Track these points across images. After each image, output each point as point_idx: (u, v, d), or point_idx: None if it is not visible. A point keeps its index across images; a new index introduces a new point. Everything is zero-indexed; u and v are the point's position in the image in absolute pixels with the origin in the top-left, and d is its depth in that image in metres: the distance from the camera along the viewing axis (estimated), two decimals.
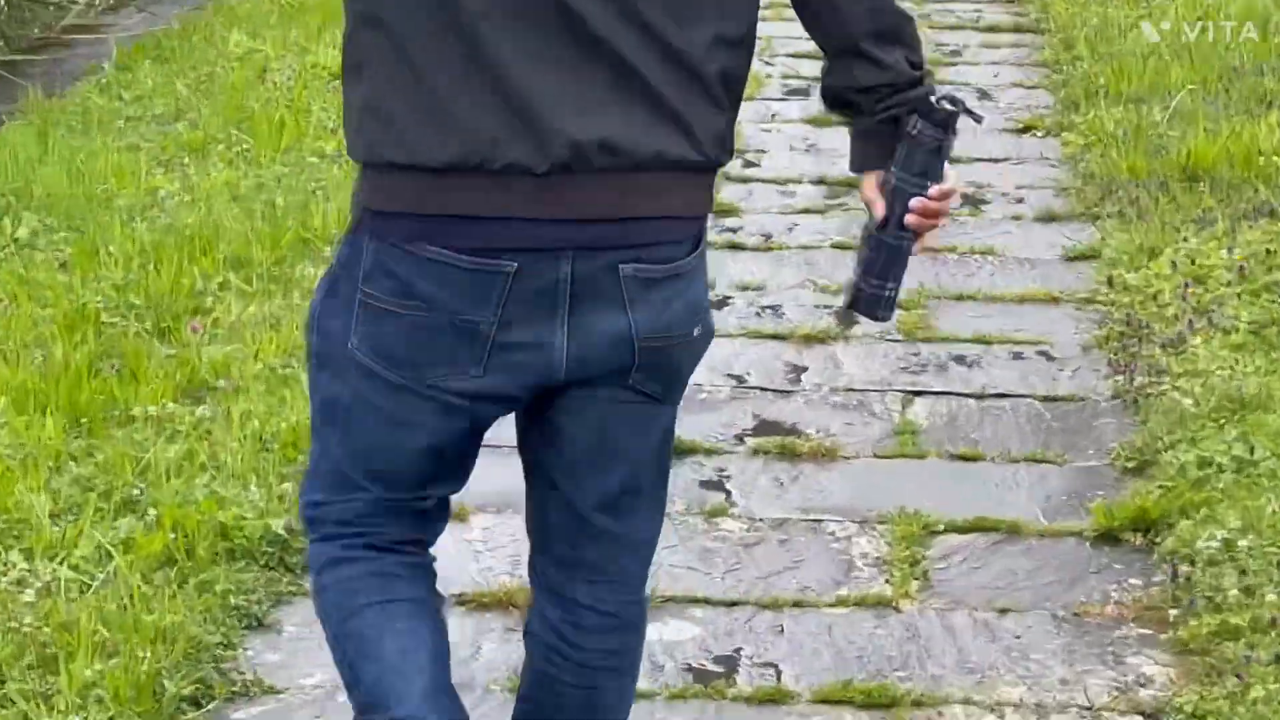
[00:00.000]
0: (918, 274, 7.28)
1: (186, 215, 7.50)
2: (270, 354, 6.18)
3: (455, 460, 3.68)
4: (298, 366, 6.05)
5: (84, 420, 5.71)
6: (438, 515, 3.85)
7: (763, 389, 6.28)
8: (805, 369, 6.51)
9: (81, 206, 7.59)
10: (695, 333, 3.52)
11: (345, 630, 3.83)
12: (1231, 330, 6.43)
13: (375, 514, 3.74)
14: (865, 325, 6.28)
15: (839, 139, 8.48)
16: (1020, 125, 9.42)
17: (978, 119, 3.71)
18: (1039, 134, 9.24)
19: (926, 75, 3.52)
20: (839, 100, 3.56)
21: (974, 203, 8.25)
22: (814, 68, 9.71)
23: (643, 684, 4.04)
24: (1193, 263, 7.08)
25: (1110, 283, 7.13)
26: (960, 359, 6.60)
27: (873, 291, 3.53)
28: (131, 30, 10.84)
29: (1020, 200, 8.28)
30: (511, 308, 3.33)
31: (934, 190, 3.44)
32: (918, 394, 6.31)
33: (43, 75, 9.77)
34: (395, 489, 3.69)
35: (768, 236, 7.77)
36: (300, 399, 5.77)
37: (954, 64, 10.55)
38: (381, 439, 3.61)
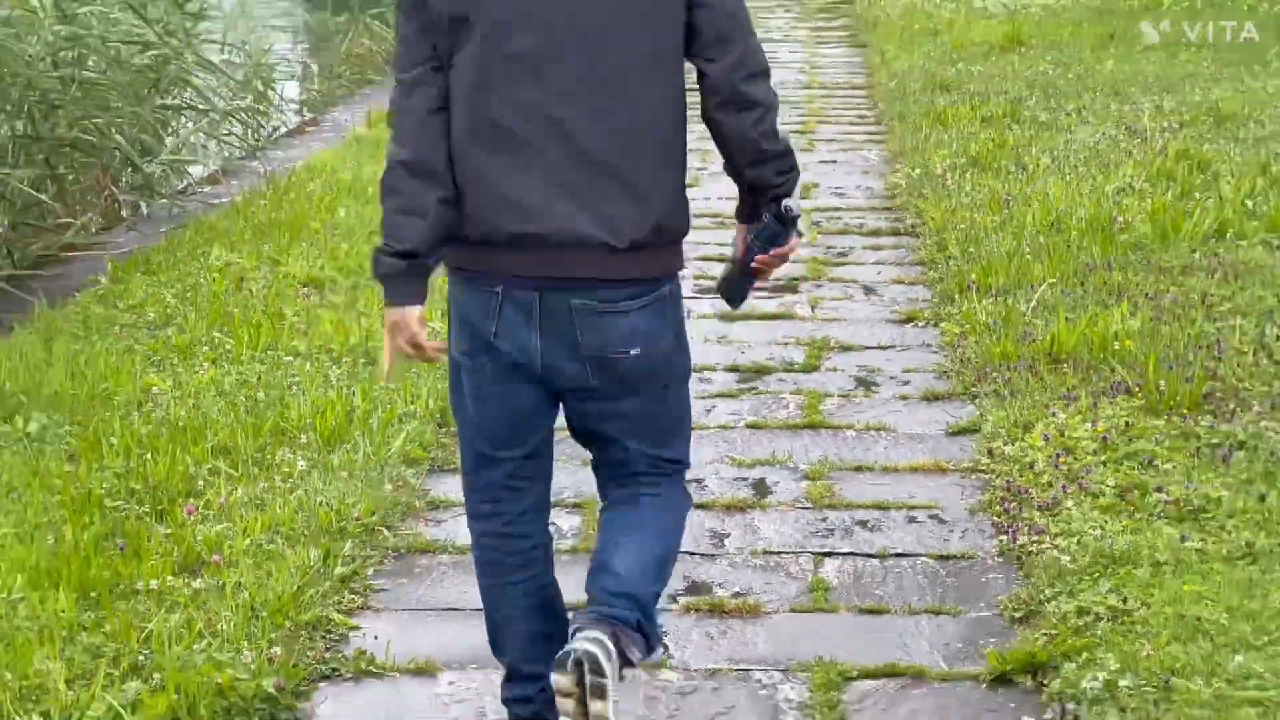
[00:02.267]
0: (823, 449, 7.32)
1: (178, 410, 7.46)
2: (256, 531, 6.12)
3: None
4: (282, 542, 6.03)
5: (93, 594, 5.63)
6: None
7: (691, 553, 6.16)
8: (728, 535, 6.47)
9: (84, 404, 7.55)
10: (632, 352, 4.64)
11: None
12: (1099, 494, 6.44)
13: None
14: (778, 496, 6.45)
15: (747, 332, 8.67)
16: (903, 316, 9.46)
17: (800, 235, 4.90)
18: (920, 324, 9.28)
19: (790, 179, 4.68)
20: (731, 179, 4.87)
21: (866, 385, 8.27)
22: (720, 270, 9.85)
23: None
24: (1062, 435, 7.10)
25: (990, 454, 7.14)
26: (863, 523, 6.56)
27: (727, 296, 5.11)
28: (123, 247, 10.90)
29: (907, 383, 8.29)
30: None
31: (773, 251, 4.70)
32: (828, 555, 6.28)
33: (46, 288, 9.78)
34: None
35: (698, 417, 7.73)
36: (284, 571, 5.75)
37: (842, 264, 10.55)
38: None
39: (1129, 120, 14.76)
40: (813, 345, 8.87)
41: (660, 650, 5.27)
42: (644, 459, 4.92)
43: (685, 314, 7.70)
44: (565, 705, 4.51)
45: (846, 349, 8.82)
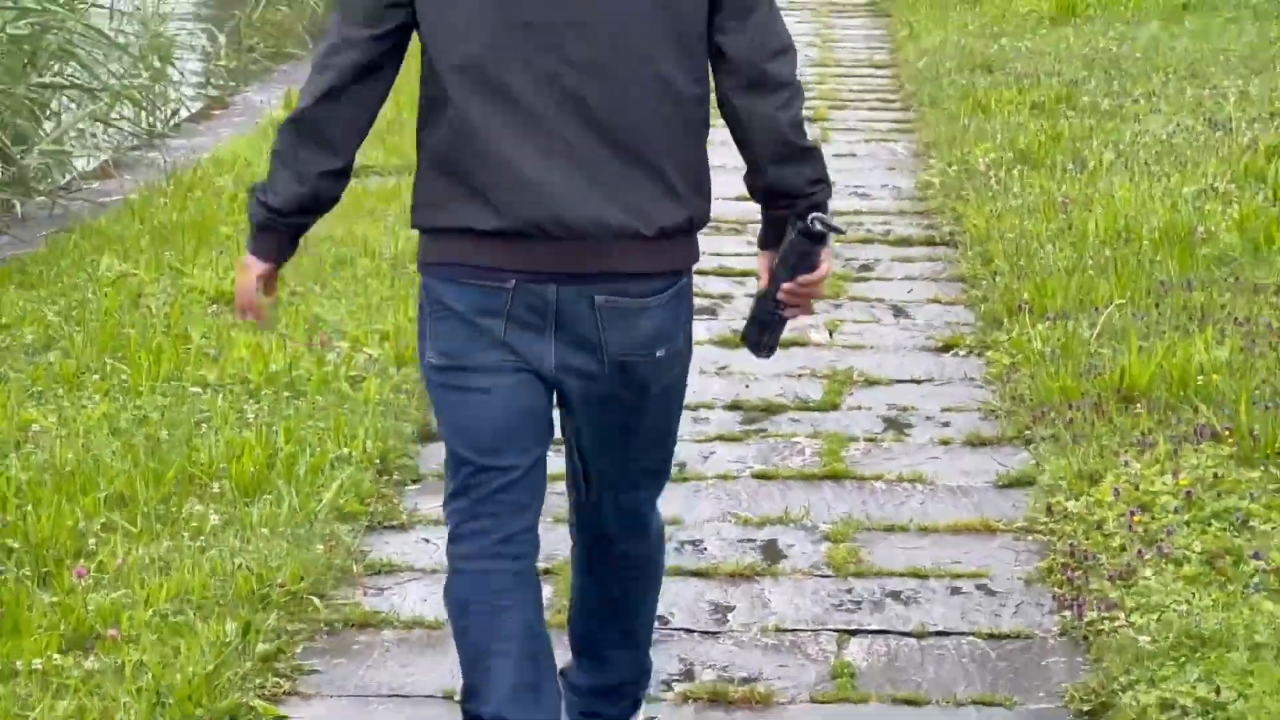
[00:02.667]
0: (846, 504, 7.24)
1: (64, 451, 7.35)
2: (160, 599, 6.02)
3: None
4: (192, 613, 5.96)
5: None
6: None
7: (690, 630, 6.16)
8: (732, 608, 6.36)
9: None
10: (658, 354, 4.77)
11: None
12: (1183, 561, 6.34)
13: None
14: (793, 561, 6.40)
15: (753, 362, 8.53)
16: (940, 343, 9.37)
17: (839, 231, 4.96)
18: (961, 353, 9.19)
19: (821, 190, 4.81)
20: (751, 195, 4.99)
21: (897, 427, 8.18)
22: (720, 284, 9.84)
23: None
24: (1136, 489, 7.01)
25: (1049, 511, 7.06)
26: (895, 594, 6.47)
27: (754, 340, 4.91)
28: None
29: (947, 424, 8.21)
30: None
31: (800, 278, 4.67)
32: (853, 633, 6.16)
33: None
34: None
35: (682, 465, 7.61)
36: (195, 648, 5.69)
37: (866, 279, 10.47)
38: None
39: (1209, 109, 14.73)
40: (832, 378, 8.80)
41: None
42: (636, 490, 5.22)
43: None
44: None
45: (873, 383, 8.76)
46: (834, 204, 11.55)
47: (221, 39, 20.48)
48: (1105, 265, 10.04)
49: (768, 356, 5.09)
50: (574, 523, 5.37)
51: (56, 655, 5.68)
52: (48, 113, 13.45)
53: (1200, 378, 8.10)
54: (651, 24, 4.71)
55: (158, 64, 16.76)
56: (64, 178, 13.16)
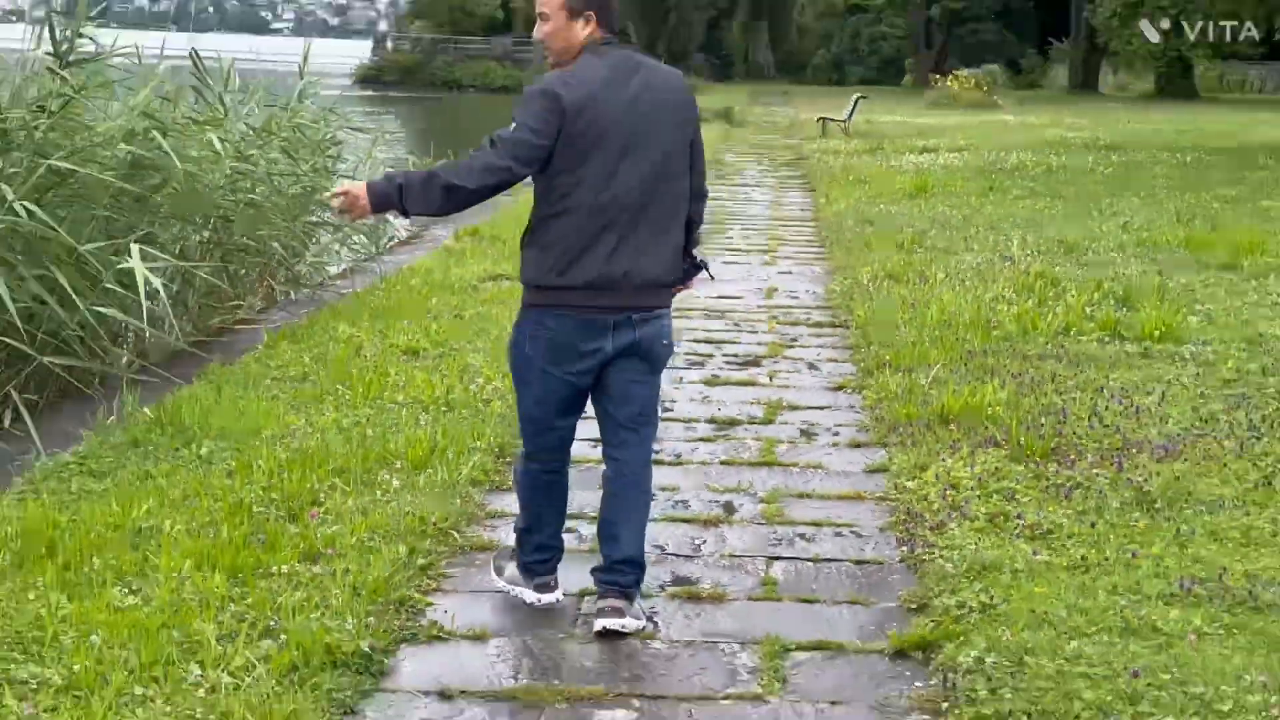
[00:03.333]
0: (775, 481, 7.24)
1: (308, 441, 7.38)
2: (362, 532, 6.01)
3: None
4: (379, 540, 5.95)
5: (239, 575, 5.55)
6: None
7: (676, 554, 6.15)
8: (704, 542, 6.32)
9: (241, 436, 7.49)
10: (665, 342, 5.43)
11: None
12: (974, 519, 6.34)
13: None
14: (741, 515, 6.33)
15: (723, 394, 8.55)
16: (835, 385, 9.36)
17: (710, 276, 5.79)
18: (848, 391, 9.20)
19: (697, 240, 5.61)
20: (685, 238, 5.48)
21: (808, 435, 8.14)
22: (709, 348, 9.77)
23: None
24: (948, 475, 7.01)
25: (896, 488, 7.04)
26: (802, 535, 6.44)
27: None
28: (277, 323, 10.92)
29: (837, 434, 8.16)
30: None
31: (689, 282, 5.62)
32: (776, 559, 6.14)
33: (221, 352, 9.75)
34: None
35: (678, 456, 7.65)
36: (380, 561, 5.68)
37: (793, 347, 10.52)
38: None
39: (1002, 249, 14.75)
40: (770, 405, 8.74)
41: (650, 624, 5.39)
42: (642, 415, 5.48)
43: (678, 378, 7.50)
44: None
45: (794, 408, 8.72)
46: (777, 301, 11.69)
47: None
48: (935, 340, 10.03)
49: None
50: (608, 456, 5.59)
51: (296, 564, 5.65)
52: (313, 240, 13.47)
53: (989, 409, 8.06)
54: (678, 160, 5.29)
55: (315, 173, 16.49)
56: (320, 278, 13.17)
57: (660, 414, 5.85)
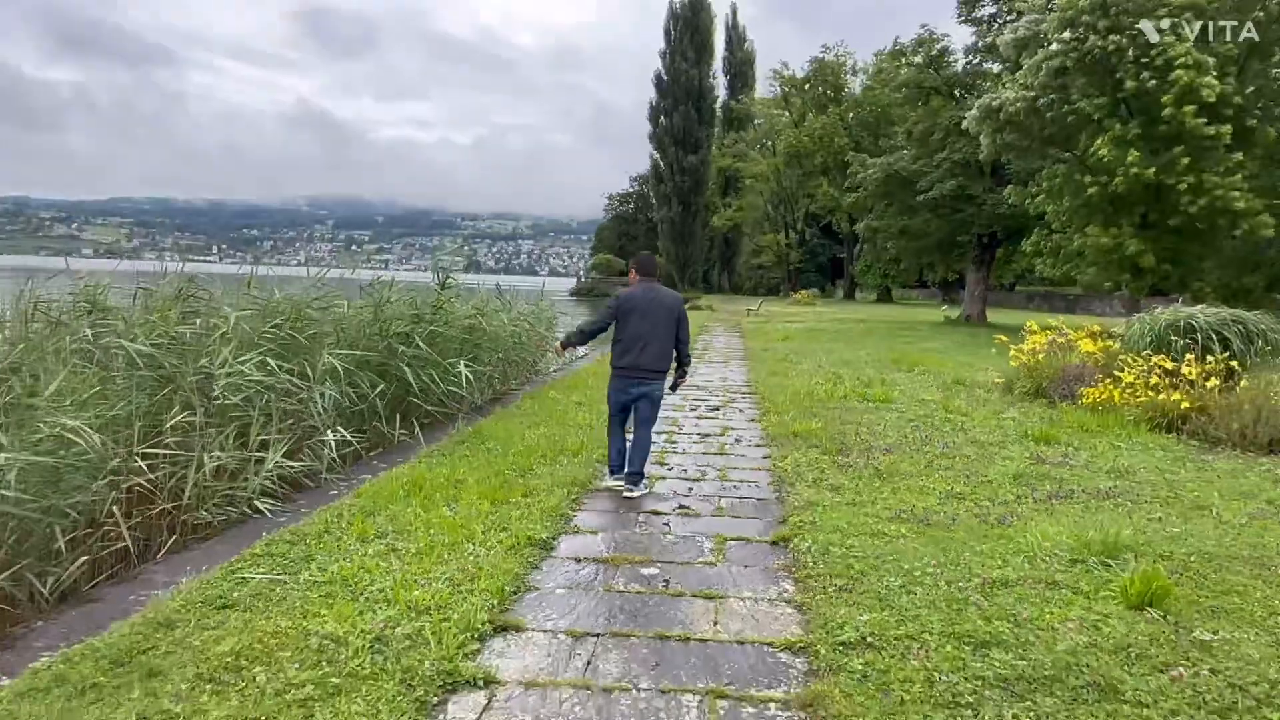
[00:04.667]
0: (724, 461, 6.48)
1: (532, 441, 6.76)
2: (549, 483, 5.42)
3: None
4: (554, 488, 5.34)
5: (496, 502, 4.99)
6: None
7: (676, 493, 5.43)
8: (690, 491, 5.60)
9: (506, 439, 6.85)
10: (657, 392, 5.23)
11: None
12: (806, 481, 5.62)
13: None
14: (708, 477, 5.55)
15: (704, 423, 7.63)
16: (752, 419, 8.51)
17: (685, 376, 5.46)
18: (756, 422, 8.34)
19: (687, 364, 5.36)
20: (677, 363, 5.33)
21: (738, 441, 7.36)
22: (696, 400, 8.87)
23: None
24: (797, 463, 6.25)
25: (773, 466, 6.25)
26: (735, 485, 5.72)
27: (672, 389, 5.27)
28: (526, 389, 10.22)
29: (752, 441, 7.37)
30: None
31: (677, 381, 5.38)
32: (723, 496, 5.45)
33: (501, 403, 9.23)
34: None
35: (684, 450, 6.94)
36: (541, 502, 5.06)
37: (734, 402, 9.65)
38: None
39: (819, 361, 13.75)
40: (724, 427, 7.96)
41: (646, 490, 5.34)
42: (645, 420, 5.36)
43: (685, 413, 6.67)
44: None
45: (733, 429, 7.94)
46: (729, 383, 10.49)
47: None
48: (792, 401, 9.24)
49: (673, 392, 5.60)
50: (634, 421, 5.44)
51: (521, 497, 5.09)
52: (543, 355, 12.80)
53: (814, 433, 7.33)
54: (664, 328, 5.22)
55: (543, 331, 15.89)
56: (546, 371, 12.47)
57: (658, 420, 5.91)
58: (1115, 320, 24.18)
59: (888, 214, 29.11)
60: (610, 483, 5.45)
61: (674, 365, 5.46)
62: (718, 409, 9.26)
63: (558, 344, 5.47)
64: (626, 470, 5.40)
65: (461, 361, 7.93)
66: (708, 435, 7.67)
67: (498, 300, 11.95)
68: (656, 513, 5.13)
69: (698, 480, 5.94)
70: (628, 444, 5.51)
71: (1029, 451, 6.75)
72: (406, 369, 7.21)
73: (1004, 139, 16.92)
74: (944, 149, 25.12)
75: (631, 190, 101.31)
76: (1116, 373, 8.38)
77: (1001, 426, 7.84)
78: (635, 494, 5.31)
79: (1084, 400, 8.30)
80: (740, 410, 9.18)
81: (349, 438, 6.05)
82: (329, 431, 5.86)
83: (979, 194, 24.45)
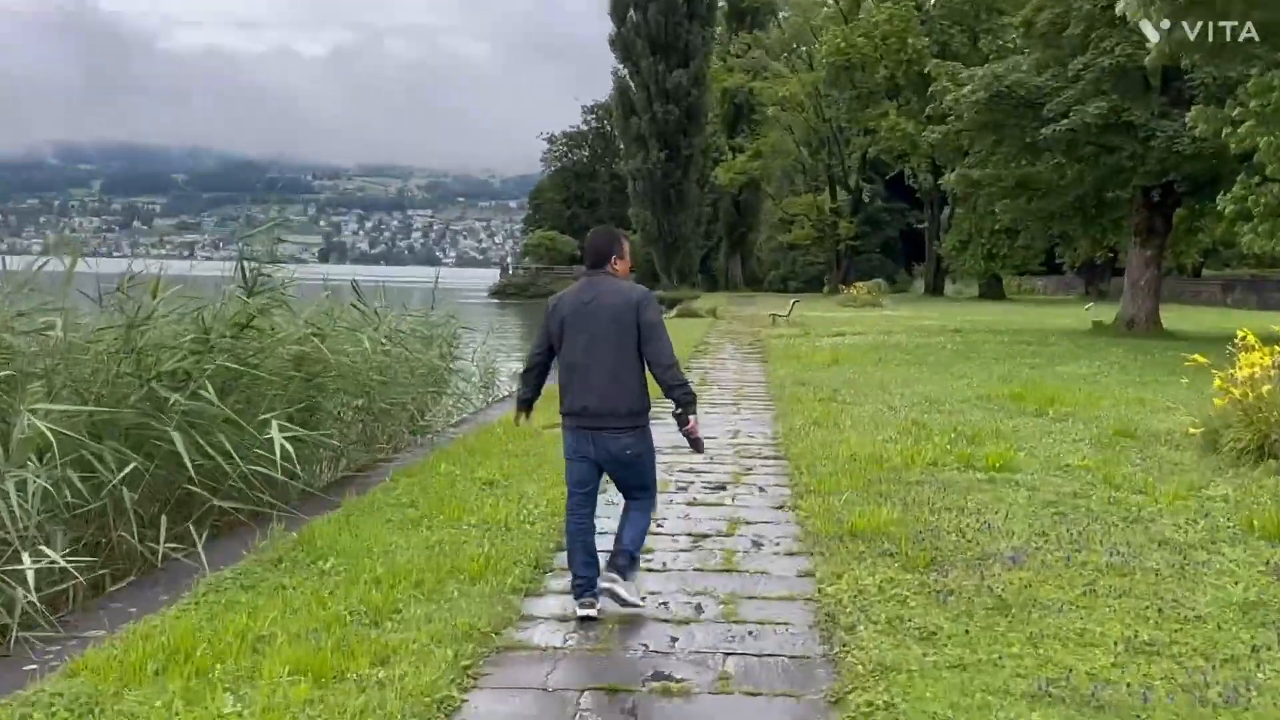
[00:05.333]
0: (734, 585, 6.05)
1: (402, 558, 6.28)
2: (423, 638, 4.94)
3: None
4: (434, 645, 4.84)
5: (323, 680, 4.48)
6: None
7: (655, 651, 4.96)
8: (678, 639, 5.13)
9: (356, 553, 6.44)
10: (629, 452, 5.45)
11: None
12: (877, 622, 5.17)
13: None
14: (706, 615, 5.18)
15: (698, 513, 7.36)
16: (777, 505, 8.14)
17: (686, 421, 5.49)
18: (785, 509, 7.98)
19: (681, 397, 5.40)
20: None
21: (757, 545, 6.94)
22: (691, 476, 8.59)
23: None
24: (856, 582, 5.84)
25: (819, 592, 5.82)
26: (751, 634, 5.25)
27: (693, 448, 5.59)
28: (404, 461, 9.93)
29: (778, 544, 6.95)
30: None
31: (680, 429, 5.47)
32: (729, 654, 4.97)
33: (359, 485, 8.82)
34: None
35: (664, 565, 6.48)
36: (433, 664, 4.58)
37: (750, 474, 9.33)
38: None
39: (888, 402, 13.62)
40: (731, 522, 7.57)
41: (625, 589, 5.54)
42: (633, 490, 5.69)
43: (667, 500, 6.36)
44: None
45: (749, 524, 7.55)
46: (738, 440, 10.47)
47: (509, 375, 19.54)
48: (845, 471, 8.89)
49: (701, 452, 5.74)
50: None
51: (368, 669, 4.56)
52: (436, 401, 12.45)
53: (884, 527, 6.95)
54: (616, 338, 5.36)
55: (483, 383, 15.66)
56: (438, 428, 12.02)
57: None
58: None
59: (995, 158, 29.18)
60: (580, 611, 5.49)
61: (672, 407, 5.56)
62: (723, 487, 8.79)
63: (514, 413, 6.26)
64: (612, 551, 5.63)
65: (276, 422, 7.38)
66: (705, 536, 7.18)
67: (357, 309, 11.50)
68: (613, 689, 4.58)
69: (687, 623, 5.39)
70: (598, 540, 5.70)
71: (1261, 560, 6.32)
72: (178, 436, 6.67)
73: (1184, 30, 16.86)
74: (1086, 50, 25.18)
75: (586, 129, 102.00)
76: None
77: (1208, 514, 7.42)
78: (623, 595, 5.53)
79: None
80: (760, 489, 8.73)
81: (66, 564, 5.50)
82: (27, 553, 5.31)
83: (1144, 121, 24.47)
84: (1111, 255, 50.41)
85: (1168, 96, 25.53)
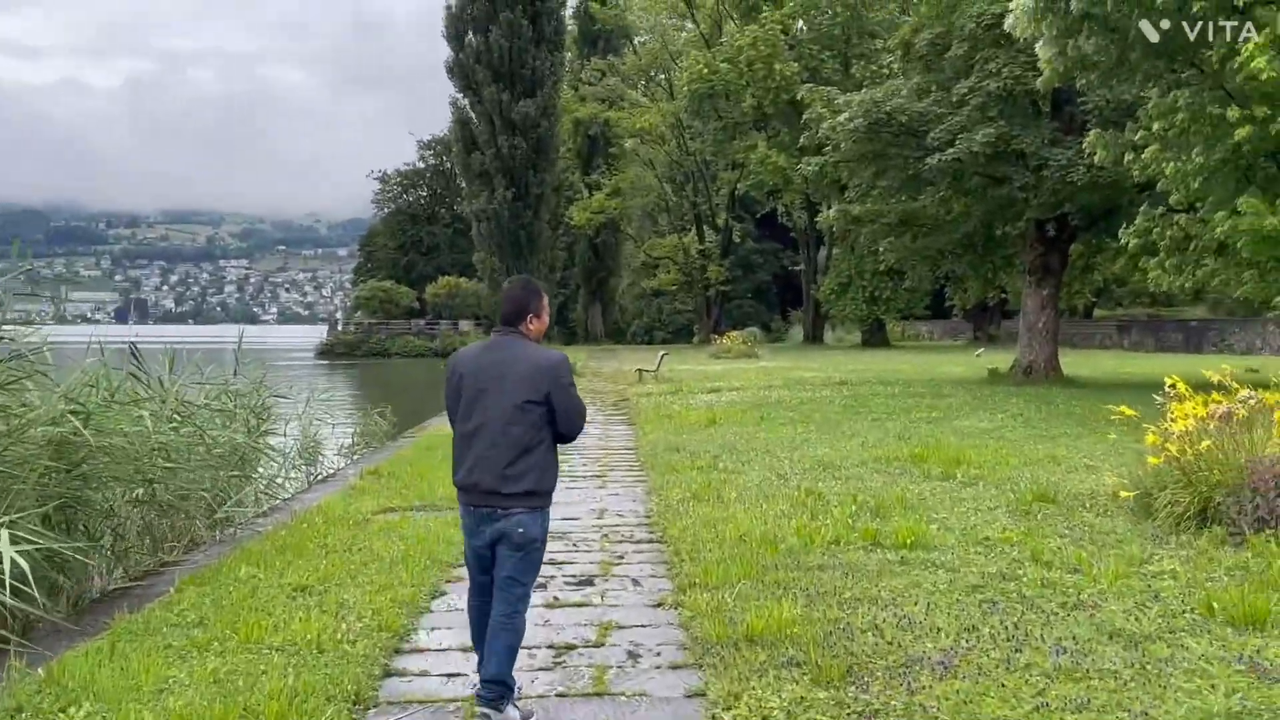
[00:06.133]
0: (606, 713, 5.35)
1: (180, 700, 5.39)
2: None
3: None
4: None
5: None
6: None
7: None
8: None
9: (121, 695, 5.55)
10: (521, 531, 5.24)
11: None
12: None
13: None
14: None
15: (560, 617, 6.63)
16: (656, 602, 7.46)
17: None
18: (666, 608, 7.30)
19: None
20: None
21: (634, 657, 6.25)
22: (550, 569, 7.91)
23: None
24: (760, 704, 5.23)
25: (713, 717, 5.16)
26: None
27: None
28: (198, 563, 8.95)
29: (659, 654, 6.28)
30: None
31: None
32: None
33: (135, 598, 7.86)
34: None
35: (519, 688, 5.73)
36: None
37: (620, 564, 8.66)
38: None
39: (776, 468, 13.17)
40: (601, 627, 6.87)
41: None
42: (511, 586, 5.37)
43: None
44: None
45: (622, 628, 6.87)
46: (606, 520, 9.75)
47: (338, 447, 18.59)
48: (735, 557, 8.26)
49: None
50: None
51: None
52: (238, 488, 11.51)
53: (787, 628, 6.33)
54: (517, 405, 5.22)
55: (303, 462, 14.83)
56: (243, 520, 11.06)
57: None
58: (1277, 360, 24.68)
59: (877, 191, 29.39)
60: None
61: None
62: (589, 581, 8.08)
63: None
64: (481, 678, 5.35)
65: (6, 531, 6.41)
66: (570, 648, 6.46)
67: (137, 375, 10.50)
68: None
69: None
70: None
71: (1232, 653, 5.90)
72: None
73: (1079, 46, 17.03)
74: (970, 73, 25.57)
75: (423, 166, 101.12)
76: None
77: (1157, 595, 7.03)
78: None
79: None
80: (634, 582, 8.05)
81: None
82: None
83: (1035, 149, 24.90)
84: (1002, 297, 51.64)
85: (1059, 122, 26.08)
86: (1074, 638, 6.16)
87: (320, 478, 15.02)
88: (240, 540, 9.87)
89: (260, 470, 12.70)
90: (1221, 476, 8.69)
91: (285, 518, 10.90)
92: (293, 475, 14.70)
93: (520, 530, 5.24)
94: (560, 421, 5.31)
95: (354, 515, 10.75)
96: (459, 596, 7.54)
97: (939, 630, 6.36)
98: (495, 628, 5.30)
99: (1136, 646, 6.00)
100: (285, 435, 14.99)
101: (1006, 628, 6.38)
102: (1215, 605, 6.60)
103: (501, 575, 5.31)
